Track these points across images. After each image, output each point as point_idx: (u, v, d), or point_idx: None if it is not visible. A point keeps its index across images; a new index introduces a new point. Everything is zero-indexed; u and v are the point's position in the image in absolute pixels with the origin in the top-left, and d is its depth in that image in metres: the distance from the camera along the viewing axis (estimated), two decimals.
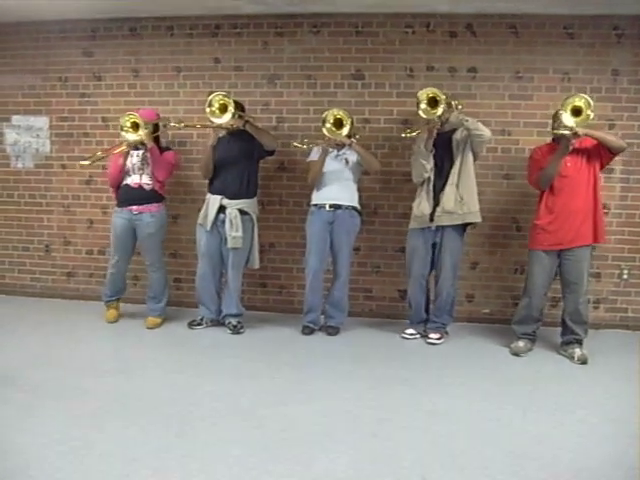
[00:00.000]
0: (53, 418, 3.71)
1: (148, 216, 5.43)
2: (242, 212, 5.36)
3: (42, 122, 6.46)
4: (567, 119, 4.61)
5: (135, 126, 5.20)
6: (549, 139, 5.09)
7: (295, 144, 5.52)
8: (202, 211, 5.48)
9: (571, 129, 4.61)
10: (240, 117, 5.31)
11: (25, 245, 6.67)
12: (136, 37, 6.18)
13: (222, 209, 5.37)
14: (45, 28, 6.29)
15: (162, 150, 5.47)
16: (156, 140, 5.48)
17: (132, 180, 5.42)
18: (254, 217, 5.50)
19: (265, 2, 5.54)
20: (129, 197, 5.43)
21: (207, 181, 5.54)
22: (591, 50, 5.56)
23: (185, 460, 3.25)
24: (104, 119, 6.30)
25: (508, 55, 5.66)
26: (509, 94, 5.69)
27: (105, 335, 5.36)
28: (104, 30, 6.22)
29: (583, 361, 4.81)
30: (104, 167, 6.13)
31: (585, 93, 4.72)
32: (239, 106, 5.35)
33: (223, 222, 5.37)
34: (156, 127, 5.54)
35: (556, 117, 4.84)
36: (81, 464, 3.18)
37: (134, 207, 5.41)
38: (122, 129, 5.22)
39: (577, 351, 4.88)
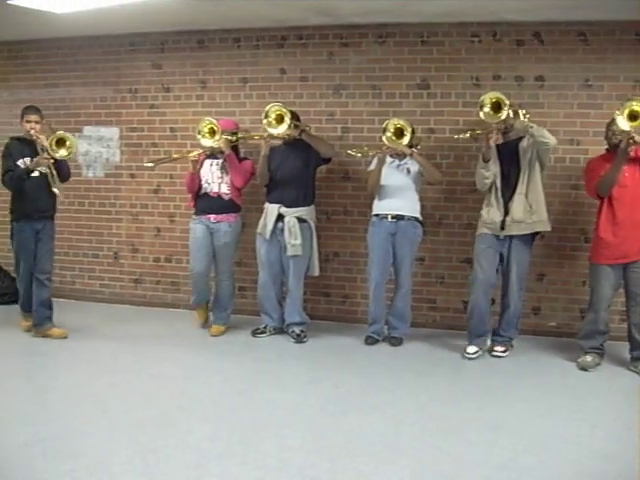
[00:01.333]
0: (120, 422, 3.79)
1: (226, 225, 5.50)
2: (300, 220, 5.41)
3: (112, 133, 6.63)
4: (622, 123, 4.46)
5: (212, 132, 5.28)
6: None
7: (349, 152, 5.54)
8: (261, 220, 5.54)
9: (627, 133, 4.47)
10: (296, 127, 5.36)
11: (95, 252, 6.83)
12: (203, 49, 6.29)
13: (280, 217, 5.42)
14: (116, 42, 6.46)
15: (240, 160, 5.54)
16: (235, 150, 5.54)
17: (211, 189, 5.49)
18: (312, 225, 5.53)
19: (331, 14, 5.56)
20: (208, 206, 5.50)
21: (266, 190, 5.61)
22: None
23: (247, 467, 3.27)
24: (172, 129, 6.43)
25: (577, 63, 5.53)
26: (578, 103, 5.56)
27: (170, 342, 5.44)
28: (172, 43, 6.36)
29: None
30: (172, 176, 6.28)
31: None
32: (294, 116, 5.40)
33: (282, 230, 5.42)
34: None
35: (611, 125, 4.72)
36: (146, 467, 3.24)
37: (212, 216, 5.48)
38: (199, 133, 5.31)
39: None
